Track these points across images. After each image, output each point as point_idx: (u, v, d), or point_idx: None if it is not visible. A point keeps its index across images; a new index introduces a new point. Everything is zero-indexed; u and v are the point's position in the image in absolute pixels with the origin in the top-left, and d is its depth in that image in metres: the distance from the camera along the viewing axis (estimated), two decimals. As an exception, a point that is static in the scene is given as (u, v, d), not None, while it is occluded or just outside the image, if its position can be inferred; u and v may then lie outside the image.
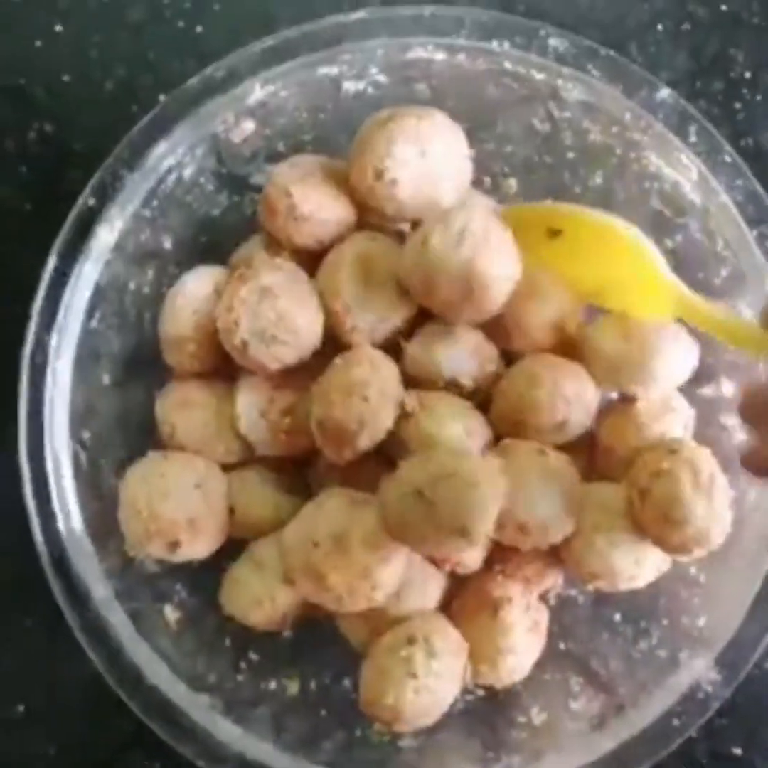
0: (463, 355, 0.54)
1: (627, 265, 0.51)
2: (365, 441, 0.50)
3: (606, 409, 0.56)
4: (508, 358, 0.55)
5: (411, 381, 0.53)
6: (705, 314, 0.51)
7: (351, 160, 0.53)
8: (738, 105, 0.63)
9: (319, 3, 0.61)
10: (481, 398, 0.54)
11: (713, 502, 0.51)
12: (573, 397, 0.53)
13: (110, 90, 0.63)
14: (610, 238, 0.51)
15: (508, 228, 0.51)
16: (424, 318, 0.54)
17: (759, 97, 0.62)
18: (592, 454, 0.56)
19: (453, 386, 0.53)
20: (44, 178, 0.62)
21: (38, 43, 0.63)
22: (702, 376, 0.55)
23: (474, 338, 0.54)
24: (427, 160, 0.52)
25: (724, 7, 0.63)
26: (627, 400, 0.55)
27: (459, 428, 0.52)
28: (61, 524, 0.52)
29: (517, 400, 0.53)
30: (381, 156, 0.51)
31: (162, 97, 0.60)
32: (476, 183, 0.57)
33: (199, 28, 0.63)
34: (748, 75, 0.63)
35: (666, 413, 0.54)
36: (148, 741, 0.52)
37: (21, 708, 0.61)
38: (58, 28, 0.63)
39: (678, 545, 0.51)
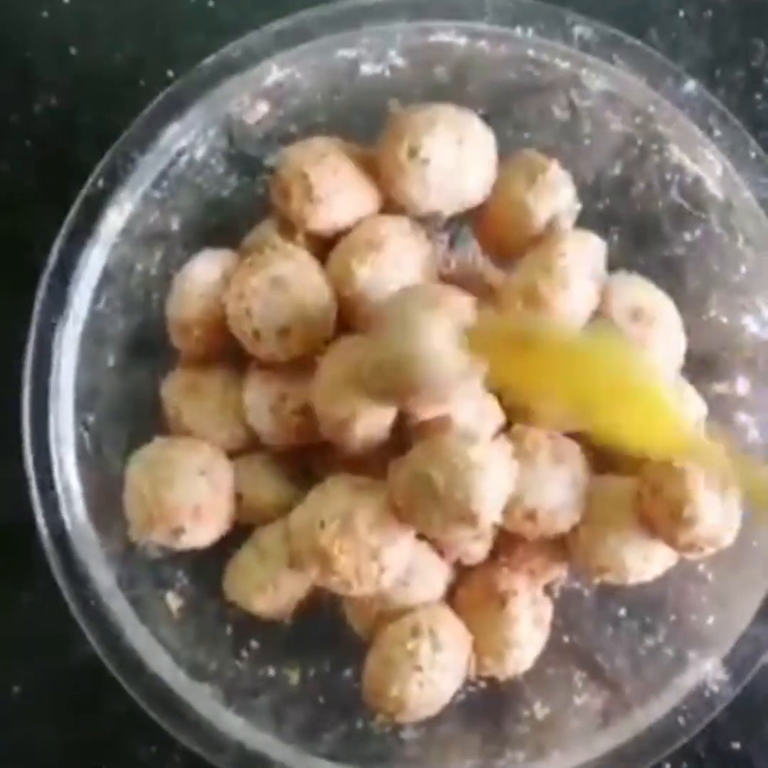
0: None
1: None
2: (363, 432, 0.50)
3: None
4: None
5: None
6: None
7: (383, 139, 0.52)
8: (758, 95, 0.62)
9: None
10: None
11: (725, 502, 0.50)
12: None
13: (118, 64, 0.62)
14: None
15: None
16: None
17: None
18: (601, 447, 0.55)
19: None
20: (49, 152, 0.61)
21: (45, 14, 0.62)
22: (717, 373, 0.55)
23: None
24: (462, 151, 0.51)
25: None
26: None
27: (472, 408, 0.52)
28: (63, 508, 0.52)
29: None
30: (419, 133, 0.51)
31: (170, 73, 0.60)
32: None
33: (210, 3, 0.62)
34: None
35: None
36: (145, 725, 0.51)
37: (17, 689, 0.61)
38: None
39: (688, 544, 0.51)
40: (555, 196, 0.53)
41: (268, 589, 0.53)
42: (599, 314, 0.54)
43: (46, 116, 0.62)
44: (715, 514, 0.50)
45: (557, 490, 0.52)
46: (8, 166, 0.62)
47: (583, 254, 0.52)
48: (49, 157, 0.61)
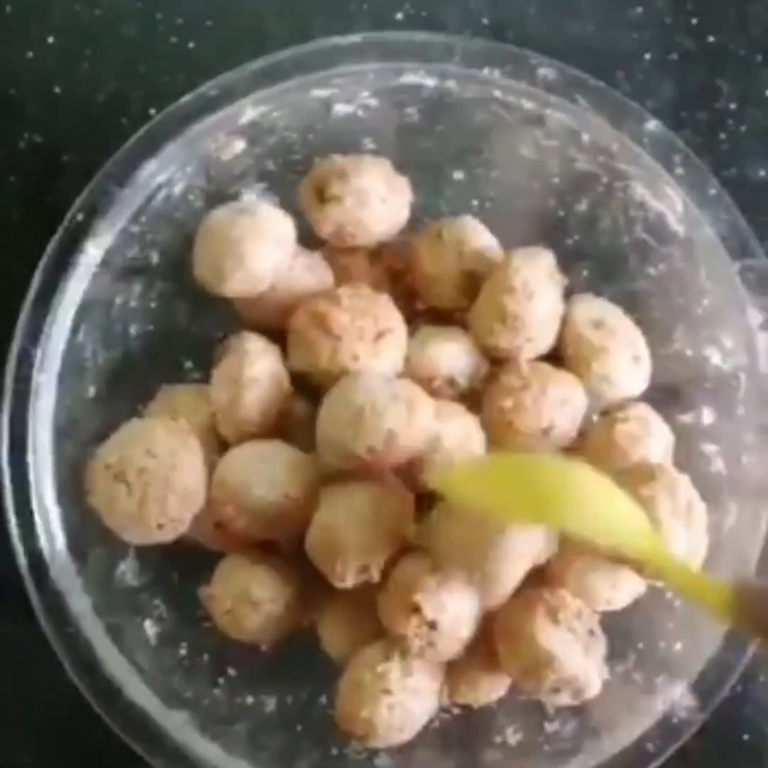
0: (460, 353, 0.55)
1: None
2: None
3: (586, 432, 0.56)
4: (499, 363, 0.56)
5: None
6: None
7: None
8: (723, 135, 0.63)
9: (312, 22, 0.62)
10: (469, 405, 0.55)
11: (690, 529, 0.51)
12: (558, 402, 0.54)
13: (101, 103, 0.63)
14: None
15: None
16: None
17: (743, 128, 0.63)
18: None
19: (447, 386, 0.55)
20: (33, 188, 0.62)
21: (30, 54, 0.63)
22: (682, 404, 0.56)
23: (469, 340, 0.56)
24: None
25: (711, 39, 0.64)
26: (607, 423, 0.56)
27: (460, 427, 0.53)
28: (41, 538, 0.52)
29: (504, 402, 0.54)
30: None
31: (152, 111, 0.61)
32: (465, 206, 0.58)
33: (191, 44, 0.63)
34: (733, 106, 0.63)
35: (646, 437, 0.55)
36: (121, 753, 0.51)
37: (-6, 713, 0.61)
38: (51, 40, 0.63)
39: (656, 572, 0.51)
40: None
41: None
42: (564, 324, 0.56)
43: (30, 152, 0.63)
44: (682, 542, 0.51)
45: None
46: (-7, 202, 0.63)
47: (535, 263, 0.54)
48: (33, 193, 0.62)
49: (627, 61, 0.63)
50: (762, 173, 0.63)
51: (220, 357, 0.55)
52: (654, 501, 0.51)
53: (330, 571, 0.51)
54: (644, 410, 0.56)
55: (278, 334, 0.55)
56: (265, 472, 0.52)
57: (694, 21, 0.64)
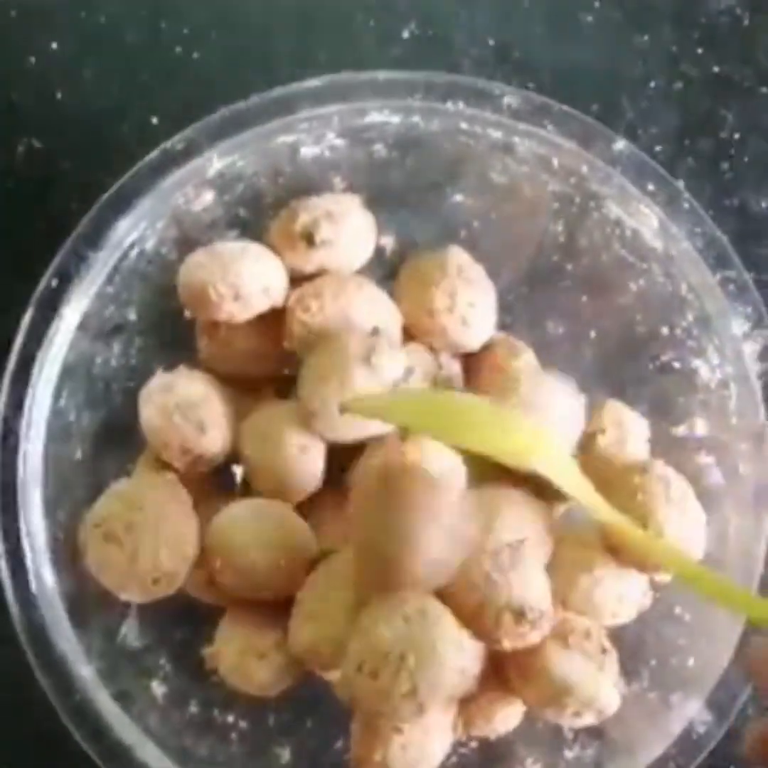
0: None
1: None
2: None
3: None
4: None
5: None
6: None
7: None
8: (725, 164, 0.63)
9: (317, 39, 0.63)
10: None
11: (686, 515, 0.51)
12: None
13: (102, 110, 0.63)
14: None
15: None
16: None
17: (746, 159, 0.63)
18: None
19: None
20: (30, 193, 0.62)
21: (32, 59, 0.63)
22: (675, 416, 0.56)
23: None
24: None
25: (716, 69, 0.64)
26: (586, 438, 0.55)
27: (447, 461, 0.53)
28: (41, 609, 0.51)
29: None
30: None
31: (154, 120, 0.61)
32: (443, 236, 0.58)
33: (195, 55, 0.63)
34: (736, 136, 0.63)
35: (626, 436, 0.55)
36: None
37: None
38: (54, 45, 0.63)
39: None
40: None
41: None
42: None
43: (29, 158, 0.62)
44: (679, 527, 0.51)
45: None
46: (-11, 205, 0.63)
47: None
48: (31, 199, 0.62)
49: (631, 88, 0.63)
50: (764, 204, 0.63)
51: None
52: (648, 490, 0.51)
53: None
54: (617, 409, 0.56)
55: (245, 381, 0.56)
56: (259, 534, 0.52)
57: (700, 51, 0.64)
